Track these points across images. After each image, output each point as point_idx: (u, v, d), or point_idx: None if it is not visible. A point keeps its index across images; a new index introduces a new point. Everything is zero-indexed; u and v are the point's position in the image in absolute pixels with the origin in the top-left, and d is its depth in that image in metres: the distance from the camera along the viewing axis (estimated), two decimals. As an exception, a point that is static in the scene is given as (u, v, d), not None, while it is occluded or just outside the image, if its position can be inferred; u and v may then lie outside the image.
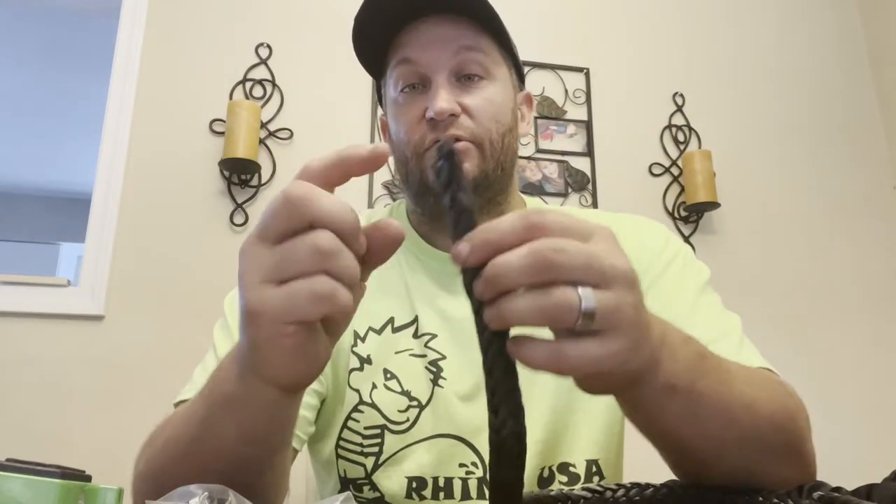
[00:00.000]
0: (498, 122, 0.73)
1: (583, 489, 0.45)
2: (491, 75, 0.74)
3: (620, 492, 0.46)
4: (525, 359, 0.35)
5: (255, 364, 0.40)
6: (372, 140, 2.03)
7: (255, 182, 1.94)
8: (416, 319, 0.74)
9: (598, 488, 0.46)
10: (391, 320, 0.74)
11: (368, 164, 0.38)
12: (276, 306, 0.36)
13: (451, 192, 0.37)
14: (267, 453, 0.47)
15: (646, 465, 0.68)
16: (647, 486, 0.47)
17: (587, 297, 0.33)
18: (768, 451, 0.48)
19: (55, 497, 0.39)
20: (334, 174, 0.38)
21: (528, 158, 2.13)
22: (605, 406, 0.73)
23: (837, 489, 0.42)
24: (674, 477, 0.51)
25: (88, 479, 0.45)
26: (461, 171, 0.37)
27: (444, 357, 0.72)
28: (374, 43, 0.75)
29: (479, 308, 0.35)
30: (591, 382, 0.40)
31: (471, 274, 0.35)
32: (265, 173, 1.96)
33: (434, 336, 0.73)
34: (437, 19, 0.73)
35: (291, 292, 0.35)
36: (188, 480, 0.39)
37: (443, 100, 0.70)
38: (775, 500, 0.43)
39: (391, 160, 0.81)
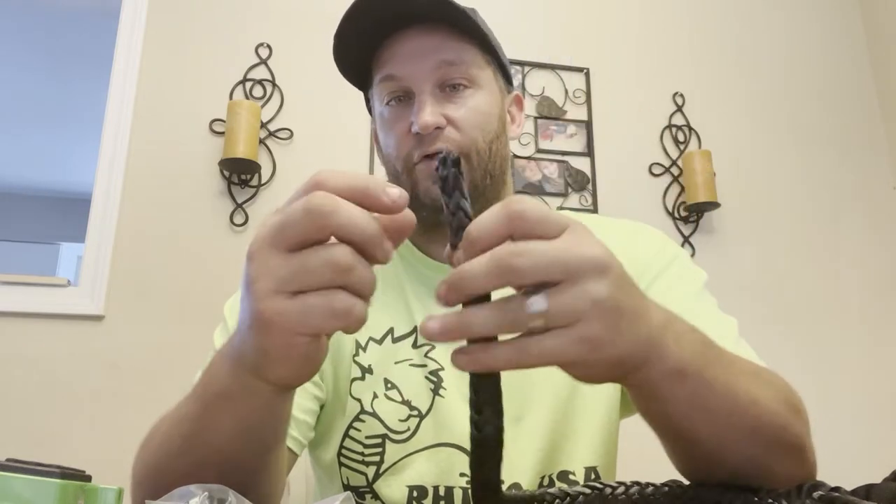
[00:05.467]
0: (484, 131, 0.73)
1: (583, 486, 0.46)
2: (475, 83, 0.74)
3: (620, 489, 0.46)
4: (490, 364, 0.35)
5: (257, 366, 0.40)
6: (372, 139, 2.03)
7: (255, 182, 1.94)
8: (415, 329, 0.74)
9: (598, 485, 0.46)
10: (391, 330, 0.74)
11: (386, 210, 0.37)
12: (291, 318, 0.36)
13: (453, 202, 0.37)
14: (262, 449, 0.48)
15: (640, 467, 0.68)
16: (648, 484, 0.47)
17: (537, 301, 0.34)
18: (773, 447, 0.48)
19: (55, 497, 0.40)
20: (354, 198, 0.37)
21: (528, 158, 2.14)
22: (602, 414, 0.73)
23: (836, 489, 0.42)
24: (671, 476, 0.51)
25: (88, 479, 0.45)
26: (463, 181, 0.38)
27: (443, 368, 0.72)
28: (357, 57, 0.76)
29: None
30: (578, 372, 0.39)
31: None
32: (265, 173, 1.96)
33: (433, 346, 0.73)
34: (417, 30, 0.72)
35: (307, 306, 0.35)
36: (184, 477, 0.40)
37: (427, 114, 0.70)
38: (775, 501, 0.43)
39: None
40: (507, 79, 0.81)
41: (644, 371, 0.40)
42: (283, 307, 0.36)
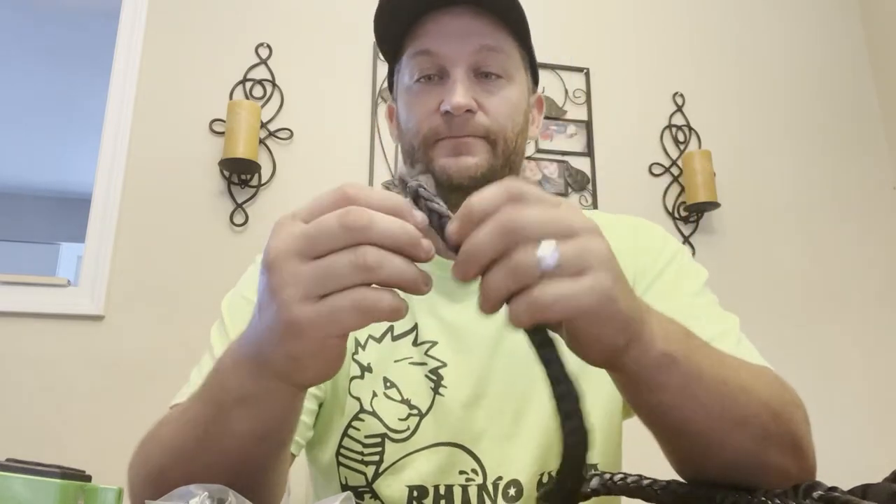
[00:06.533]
0: (513, 122, 0.73)
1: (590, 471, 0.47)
2: (509, 76, 0.74)
3: (619, 476, 0.47)
4: (511, 320, 0.36)
5: (286, 372, 0.41)
6: (372, 139, 2.03)
7: (255, 182, 1.94)
8: (415, 327, 0.73)
9: (600, 472, 0.47)
10: (391, 328, 0.74)
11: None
12: (322, 322, 0.36)
13: (431, 211, 0.39)
14: (275, 449, 0.48)
15: (642, 471, 0.68)
16: (647, 478, 0.47)
17: (547, 246, 0.35)
18: (768, 440, 0.47)
19: (55, 497, 0.40)
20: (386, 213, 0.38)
21: (528, 158, 2.13)
22: (603, 412, 0.73)
23: (834, 489, 0.42)
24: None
25: (88, 479, 0.45)
26: (431, 192, 0.39)
27: (444, 364, 0.72)
28: (396, 28, 0.75)
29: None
30: (589, 329, 0.38)
31: None
32: (265, 173, 1.96)
33: (434, 344, 0.73)
34: (461, 11, 0.72)
35: (335, 307, 0.36)
36: (193, 481, 0.39)
37: (460, 95, 0.69)
38: (773, 500, 0.43)
39: (389, 155, 0.80)
40: (535, 78, 0.81)
41: (633, 353, 0.40)
42: (313, 312, 0.36)
